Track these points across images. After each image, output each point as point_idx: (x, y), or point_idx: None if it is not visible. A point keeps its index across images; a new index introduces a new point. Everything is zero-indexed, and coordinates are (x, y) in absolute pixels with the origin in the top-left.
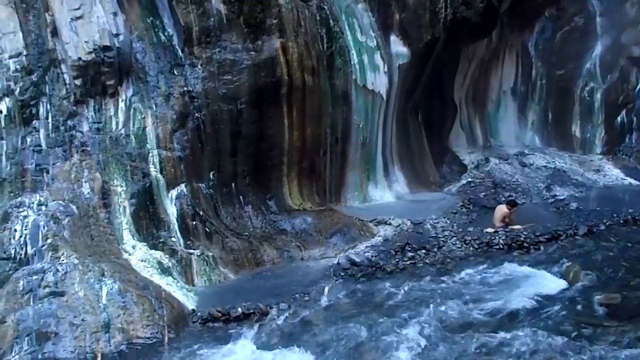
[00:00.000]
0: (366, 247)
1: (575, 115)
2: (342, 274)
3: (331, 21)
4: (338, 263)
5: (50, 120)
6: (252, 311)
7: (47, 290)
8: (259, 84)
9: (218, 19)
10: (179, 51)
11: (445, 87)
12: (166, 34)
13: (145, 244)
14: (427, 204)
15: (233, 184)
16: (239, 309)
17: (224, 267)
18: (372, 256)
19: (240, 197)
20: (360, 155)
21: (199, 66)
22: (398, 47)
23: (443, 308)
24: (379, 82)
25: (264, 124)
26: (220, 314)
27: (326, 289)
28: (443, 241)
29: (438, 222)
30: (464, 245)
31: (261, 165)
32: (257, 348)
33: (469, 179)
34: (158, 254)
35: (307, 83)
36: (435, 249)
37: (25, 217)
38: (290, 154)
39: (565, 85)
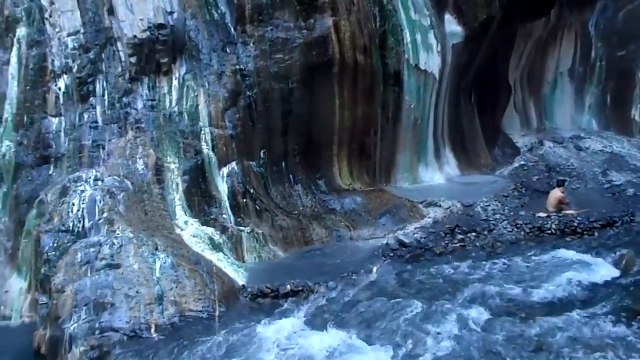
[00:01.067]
0: (415, 228)
1: (635, 98)
2: (391, 254)
3: None
4: (387, 244)
5: (106, 97)
6: (300, 289)
7: (103, 262)
8: (311, 63)
9: None
10: (232, 29)
11: (500, 68)
12: (219, 11)
13: (197, 220)
14: (478, 187)
15: (283, 163)
16: (288, 286)
17: (273, 244)
18: (421, 238)
19: (290, 175)
20: (411, 136)
21: (251, 44)
22: (452, 26)
23: (492, 292)
24: (431, 61)
25: (315, 103)
26: (269, 291)
27: (374, 269)
28: (493, 224)
29: (489, 205)
30: (515, 229)
31: (311, 145)
32: (305, 325)
33: (522, 162)
34: (209, 230)
35: (358, 62)
36: (486, 232)
37: (82, 191)
38: (340, 133)
39: (626, 66)
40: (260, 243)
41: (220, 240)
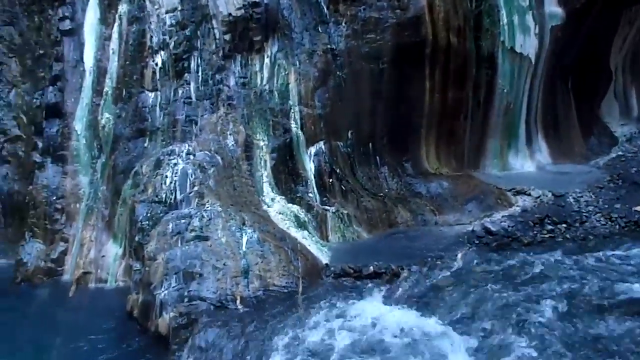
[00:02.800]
0: (503, 216)
1: None
2: (476, 241)
3: None
4: (472, 230)
5: (200, 73)
6: (383, 270)
7: (193, 234)
8: (402, 44)
9: None
10: (325, 8)
11: (601, 52)
12: None
13: (283, 197)
14: (571, 177)
15: (370, 144)
16: (371, 268)
17: (357, 225)
18: (508, 226)
19: (377, 157)
20: (503, 122)
21: (343, 24)
22: (552, 7)
23: (579, 286)
24: (528, 44)
25: (405, 84)
26: (352, 271)
27: (459, 255)
28: (586, 216)
29: (582, 196)
30: (609, 222)
31: (399, 127)
32: (387, 306)
33: (620, 153)
34: (295, 208)
35: (451, 44)
36: (577, 224)
37: (175, 165)
38: (429, 116)
39: None
40: (345, 223)
41: (306, 219)
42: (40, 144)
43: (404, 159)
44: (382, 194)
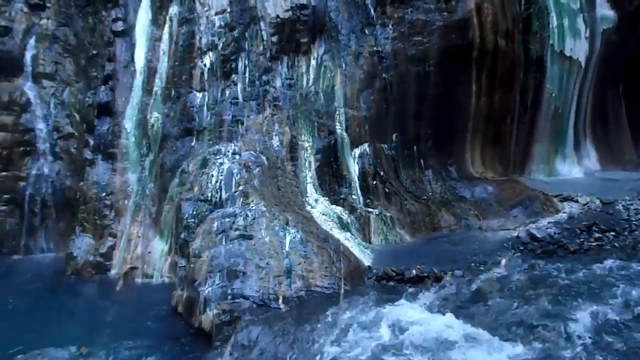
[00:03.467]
0: (549, 222)
1: None
2: (521, 248)
3: None
4: (517, 236)
5: (247, 74)
6: (426, 274)
7: (237, 232)
8: (449, 47)
9: None
10: (372, 11)
11: None
12: None
13: (327, 198)
14: (620, 184)
15: (415, 147)
16: (414, 271)
17: (400, 228)
18: (554, 233)
19: (421, 160)
20: (550, 126)
21: (390, 26)
22: (604, 10)
23: (627, 297)
24: (578, 48)
25: (451, 87)
26: (394, 274)
27: (503, 261)
28: (635, 225)
29: (632, 204)
30: None
31: (444, 130)
32: (429, 311)
33: None
34: (338, 209)
35: (499, 47)
36: (626, 233)
37: (221, 164)
38: (475, 120)
39: None
40: (388, 226)
41: (349, 220)
42: (91, 142)
43: (449, 163)
44: (425, 197)
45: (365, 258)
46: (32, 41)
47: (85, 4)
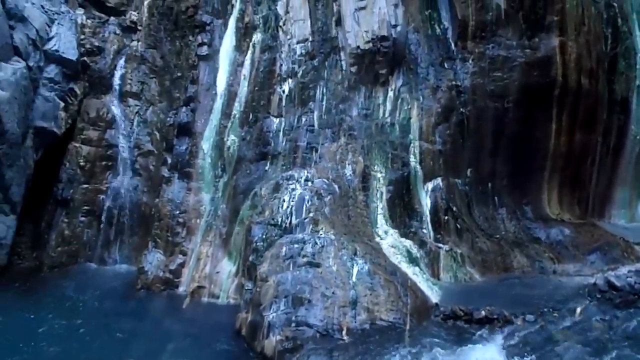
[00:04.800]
0: (629, 271)
1: None
2: (598, 296)
3: (619, 20)
4: (594, 283)
5: (324, 102)
6: (495, 317)
7: (305, 259)
8: (530, 84)
9: (496, 14)
10: (452, 45)
11: None
12: (441, 26)
13: (396, 231)
14: None
15: (489, 184)
16: (483, 312)
17: (471, 266)
18: (635, 282)
19: (495, 198)
20: (634, 170)
21: (470, 61)
22: None
23: None
24: None
25: (530, 125)
26: (463, 313)
27: (578, 309)
28: None
29: None
30: None
31: (521, 168)
32: (498, 356)
33: None
34: (408, 243)
35: (582, 86)
36: None
37: (293, 190)
38: (554, 159)
39: None
40: (458, 263)
41: (418, 255)
42: (169, 160)
43: (524, 202)
44: (498, 236)
45: (433, 295)
46: (121, 61)
47: (174, 28)
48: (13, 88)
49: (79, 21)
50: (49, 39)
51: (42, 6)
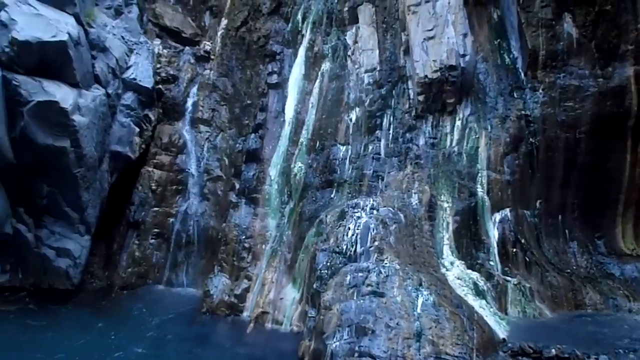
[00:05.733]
0: None
1: None
2: None
3: None
4: None
5: (391, 131)
6: (567, 356)
7: (369, 288)
8: (603, 114)
9: (567, 43)
10: (522, 74)
11: None
12: (511, 56)
13: (463, 262)
14: None
15: (560, 216)
16: (553, 350)
17: (540, 301)
18: None
19: (566, 231)
20: None
21: (540, 90)
22: None
23: None
24: None
25: (603, 156)
26: (532, 351)
27: None
28: None
29: None
30: None
31: (593, 200)
32: None
33: None
34: (474, 275)
35: None
36: None
37: (358, 217)
38: (629, 192)
39: None
40: (527, 298)
41: (485, 288)
42: (237, 185)
43: (597, 236)
44: (569, 271)
45: (500, 330)
46: (194, 89)
47: (245, 57)
48: (92, 114)
49: (156, 51)
50: (127, 68)
51: (122, 37)
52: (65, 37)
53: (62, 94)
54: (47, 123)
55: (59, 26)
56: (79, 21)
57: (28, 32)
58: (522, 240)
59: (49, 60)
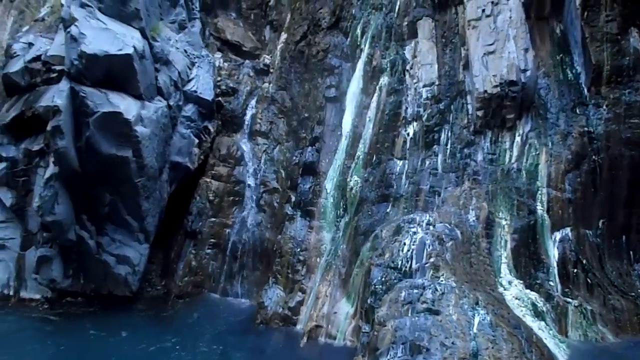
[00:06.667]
0: None
1: None
2: None
3: None
4: None
5: (448, 146)
6: None
7: (424, 305)
8: None
9: (634, 58)
10: (585, 90)
11: None
12: (574, 71)
13: (521, 281)
14: None
15: (624, 237)
16: None
17: (602, 325)
18: None
19: (631, 252)
20: None
21: (604, 107)
22: None
23: None
24: None
25: None
26: None
27: None
28: None
29: None
30: None
31: None
32: None
33: None
34: (533, 295)
35: None
36: None
37: (414, 233)
38: None
39: None
40: (588, 321)
41: (544, 309)
42: (293, 198)
43: None
44: (633, 294)
45: (560, 353)
46: (253, 102)
47: (304, 70)
48: (154, 125)
49: (217, 64)
50: (189, 81)
51: (185, 50)
52: (130, 51)
53: (126, 105)
54: (111, 133)
55: (125, 40)
56: (144, 35)
57: (96, 46)
58: (584, 261)
59: (114, 72)
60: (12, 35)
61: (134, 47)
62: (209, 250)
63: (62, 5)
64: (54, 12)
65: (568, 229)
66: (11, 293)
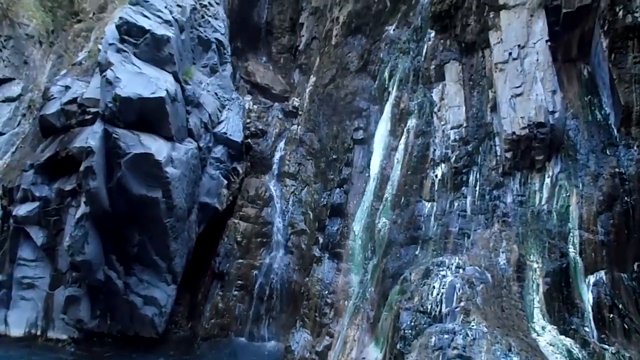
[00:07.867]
0: None
1: None
2: None
3: None
4: None
5: (477, 188)
6: None
7: (455, 352)
8: None
9: None
10: (614, 131)
11: None
12: (602, 112)
13: (555, 327)
14: None
15: None
16: None
17: None
18: None
19: None
20: None
21: (635, 147)
22: None
23: None
24: None
25: None
26: None
27: None
28: None
29: None
30: None
31: None
32: None
33: None
34: (568, 342)
35: None
36: None
37: (444, 276)
38: None
39: None
40: None
41: (580, 356)
42: (321, 240)
43: None
44: None
45: None
46: (282, 144)
47: (332, 113)
48: (184, 166)
49: (247, 106)
50: (219, 123)
51: (215, 93)
52: (163, 94)
53: (157, 146)
54: (141, 174)
55: (158, 83)
56: (177, 79)
57: (130, 89)
58: (620, 306)
59: (147, 114)
60: (50, 79)
61: (167, 90)
62: (236, 292)
63: (99, 50)
64: (91, 57)
65: (602, 272)
66: (38, 332)
